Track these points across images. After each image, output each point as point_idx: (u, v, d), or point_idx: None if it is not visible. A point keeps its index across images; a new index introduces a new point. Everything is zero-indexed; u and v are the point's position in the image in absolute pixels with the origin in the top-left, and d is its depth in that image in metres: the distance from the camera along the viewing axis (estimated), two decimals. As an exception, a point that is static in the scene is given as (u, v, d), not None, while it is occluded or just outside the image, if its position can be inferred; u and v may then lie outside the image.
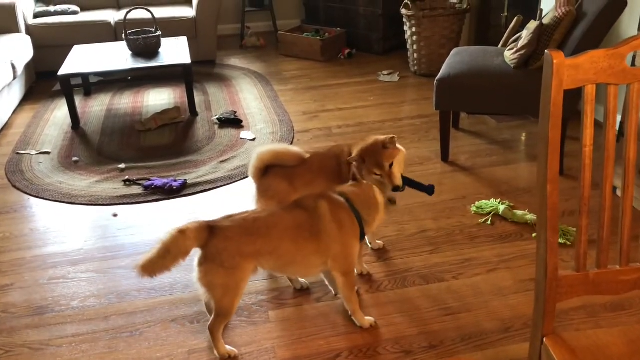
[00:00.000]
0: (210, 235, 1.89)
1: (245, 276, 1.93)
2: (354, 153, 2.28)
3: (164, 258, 1.83)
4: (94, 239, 2.78)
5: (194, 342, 2.09)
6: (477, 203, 2.88)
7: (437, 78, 3.27)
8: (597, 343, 1.34)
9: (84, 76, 4.50)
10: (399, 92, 4.57)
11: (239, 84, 4.86)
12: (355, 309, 2.12)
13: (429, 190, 2.32)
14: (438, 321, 2.15)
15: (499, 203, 2.85)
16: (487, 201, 2.88)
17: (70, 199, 3.13)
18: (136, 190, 3.19)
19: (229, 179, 3.27)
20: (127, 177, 3.29)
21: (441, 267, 2.45)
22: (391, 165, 2.22)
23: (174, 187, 3.13)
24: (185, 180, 3.22)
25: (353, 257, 2.07)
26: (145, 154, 3.64)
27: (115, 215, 2.97)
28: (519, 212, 2.76)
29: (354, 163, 2.25)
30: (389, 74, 4.92)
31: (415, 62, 4.88)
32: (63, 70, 3.94)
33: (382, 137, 2.28)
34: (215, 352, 2.01)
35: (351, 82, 4.79)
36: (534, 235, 2.64)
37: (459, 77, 3.21)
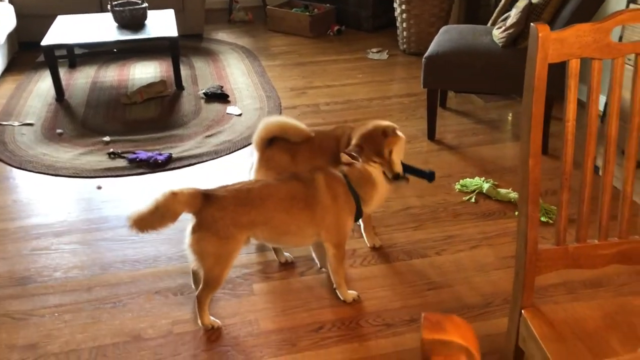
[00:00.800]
0: (205, 203, 1.89)
1: (237, 247, 1.95)
2: (353, 140, 2.21)
3: (152, 215, 1.84)
4: (78, 210, 2.76)
5: (178, 314, 2.10)
6: (461, 181, 2.90)
7: (425, 56, 3.26)
8: (574, 316, 1.36)
9: (69, 47, 4.43)
10: (388, 70, 4.56)
11: (226, 58, 4.81)
12: (340, 283, 2.14)
13: (430, 176, 2.25)
14: (420, 295, 2.18)
15: (483, 181, 2.87)
16: (471, 179, 2.90)
17: (54, 171, 3.10)
18: (121, 163, 3.16)
19: (215, 154, 3.25)
20: (111, 150, 3.26)
21: (425, 243, 2.47)
22: (390, 152, 2.17)
23: (159, 161, 3.11)
24: (170, 154, 3.20)
25: (346, 231, 2.08)
26: (131, 127, 3.61)
27: (99, 188, 2.95)
28: (503, 191, 2.79)
29: (351, 154, 2.14)
30: (377, 52, 4.89)
31: (405, 40, 4.86)
32: (46, 41, 3.86)
33: (383, 123, 2.23)
34: (199, 322, 2.03)
35: (340, 59, 4.76)
36: (516, 213, 2.65)
37: (447, 55, 3.20)
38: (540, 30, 1.18)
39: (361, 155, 2.11)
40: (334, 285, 2.16)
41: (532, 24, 1.20)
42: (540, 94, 1.22)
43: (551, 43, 1.19)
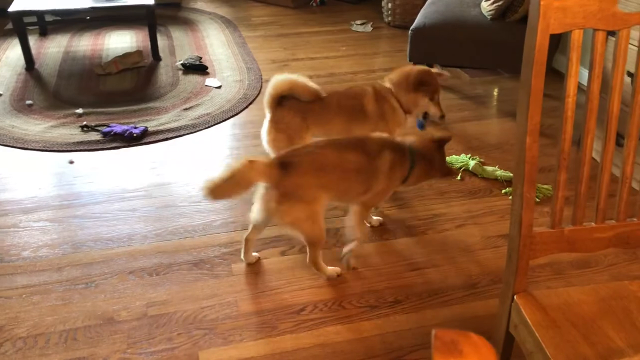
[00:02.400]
0: (283, 172, 1.88)
1: (323, 204, 1.99)
2: (411, 77, 2.37)
3: (226, 182, 1.82)
4: (49, 186, 2.63)
5: (152, 295, 2.01)
6: (447, 158, 2.82)
7: (411, 28, 3.16)
8: (568, 301, 1.30)
9: (39, 14, 4.23)
10: (372, 43, 4.44)
11: (205, 28, 4.64)
12: (360, 238, 2.15)
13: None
14: (405, 276, 2.11)
15: (469, 158, 2.80)
16: (457, 156, 2.83)
17: (23, 144, 2.95)
18: (94, 136, 3.03)
19: (193, 128, 3.13)
20: (84, 123, 3.12)
21: (410, 222, 2.40)
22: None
23: (134, 135, 2.99)
24: (146, 127, 3.07)
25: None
26: (105, 99, 3.46)
27: (71, 162, 2.82)
28: (489, 168, 2.72)
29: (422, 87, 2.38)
30: (362, 24, 4.76)
31: (389, 12, 4.73)
32: (14, 7, 3.67)
33: (415, 67, 2.46)
34: (325, 277, 2.08)
35: (323, 31, 4.63)
36: (503, 191, 2.60)
37: (435, 27, 3.10)
38: (542, -2, 1.09)
39: (418, 94, 2.39)
40: (347, 249, 2.15)
41: (533, -10, 1.10)
42: (541, 67, 1.13)
43: (553, 12, 1.11)
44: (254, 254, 2.19)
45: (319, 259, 2.06)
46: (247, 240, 2.15)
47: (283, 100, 2.31)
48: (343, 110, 2.37)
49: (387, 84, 2.44)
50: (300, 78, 2.31)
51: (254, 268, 2.15)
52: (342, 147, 2.03)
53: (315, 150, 2.00)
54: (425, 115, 2.49)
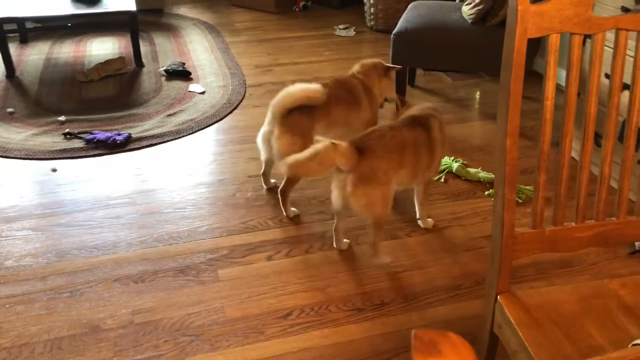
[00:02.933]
0: (360, 156, 1.97)
1: (393, 187, 2.10)
2: (378, 69, 2.64)
3: (310, 160, 1.90)
4: (31, 194, 2.61)
5: (138, 302, 2.00)
6: (431, 160, 2.85)
7: (394, 32, 3.18)
8: (550, 300, 1.32)
9: (19, 21, 4.20)
10: (355, 47, 4.47)
11: (188, 34, 4.63)
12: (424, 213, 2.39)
13: None
14: (391, 278, 2.13)
15: (452, 161, 2.82)
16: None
17: (4, 153, 2.93)
18: (77, 144, 3.01)
19: (177, 134, 3.13)
20: (67, 130, 3.10)
21: (394, 225, 2.42)
22: None
23: (118, 141, 2.97)
24: (129, 134, 3.06)
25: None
26: (88, 106, 3.44)
27: (54, 170, 2.80)
28: (472, 170, 2.75)
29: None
30: (344, 29, 4.79)
31: (372, 16, 4.76)
32: (-5, 14, 3.64)
33: (372, 60, 2.69)
34: (381, 265, 2.17)
35: (306, 36, 4.65)
36: (486, 193, 2.63)
37: (416, 31, 3.13)
38: (519, 3, 1.11)
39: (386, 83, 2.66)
40: (418, 216, 2.40)
41: (511, -5, 1.13)
42: (519, 70, 1.15)
43: (531, 16, 1.13)
44: (345, 240, 2.29)
45: (381, 242, 2.18)
46: (335, 229, 2.26)
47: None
48: (341, 103, 2.49)
49: (360, 75, 2.62)
50: (307, 88, 2.36)
51: (240, 273, 2.15)
52: (403, 127, 2.16)
53: (385, 134, 2.09)
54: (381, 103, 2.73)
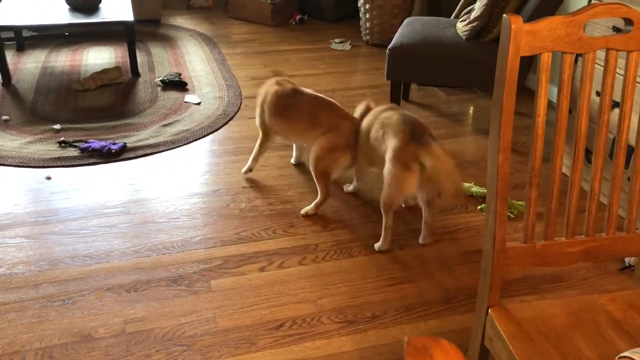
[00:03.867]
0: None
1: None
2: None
3: None
4: (25, 202, 2.61)
5: (131, 312, 2.00)
6: (424, 174, 2.87)
7: (389, 47, 3.22)
8: (541, 314, 1.34)
9: (16, 29, 4.21)
10: (350, 61, 4.51)
11: (184, 45, 4.66)
12: None
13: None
14: (383, 291, 2.14)
15: (446, 175, 2.85)
16: (434, 173, 2.88)
17: (-1, 160, 2.93)
18: (72, 152, 3.01)
19: (172, 144, 3.14)
20: (62, 139, 3.11)
21: (387, 238, 2.43)
22: None
23: (113, 150, 2.98)
24: (124, 143, 3.07)
25: None
26: (83, 115, 3.45)
27: (48, 178, 2.80)
28: (465, 185, 2.77)
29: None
30: (340, 43, 4.83)
31: (368, 31, 4.81)
32: (-8, 22, 3.65)
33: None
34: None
35: (302, 49, 4.68)
36: (479, 207, 2.65)
37: (412, 47, 3.17)
38: (512, 22, 1.14)
39: None
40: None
41: (504, 14, 1.15)
42: (512, 87, 1.18)
43: (523, 35, 1.15)
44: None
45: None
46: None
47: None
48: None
49: None
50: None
51: (233, 284, 2.15)
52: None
53: (406, 120, 2.30)
54: None
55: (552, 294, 2.14)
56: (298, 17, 5.29)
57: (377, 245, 2.36)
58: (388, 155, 2.25)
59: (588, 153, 2.23)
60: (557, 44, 1.18)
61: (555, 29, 1.16)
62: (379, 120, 2.38)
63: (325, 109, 2.57)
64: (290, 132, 2.66)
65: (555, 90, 3.12)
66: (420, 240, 2.41)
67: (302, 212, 2.55)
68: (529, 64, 3.29)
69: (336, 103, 2.63)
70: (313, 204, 2.55)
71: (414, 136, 2.21)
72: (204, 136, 3.24)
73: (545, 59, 1.19)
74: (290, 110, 2.59)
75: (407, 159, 2.18)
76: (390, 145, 2.25)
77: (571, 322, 1.32)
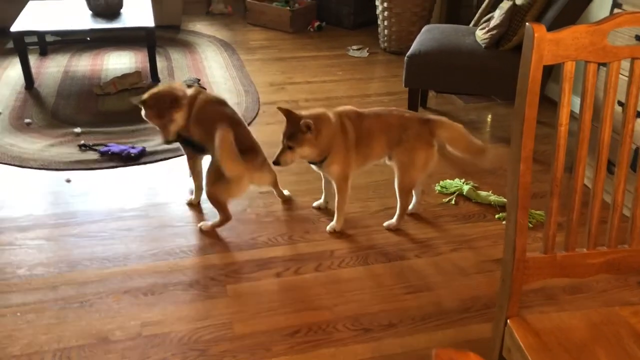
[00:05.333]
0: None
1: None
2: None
3: None
4: (45, 204, 2.64)
5: (147, 315, 2.01)
6: (441, 182, 2.86)
7: (407, 54, 3.21)
8: (561, 326, 1.32)
9: (40, 34, 4.28)
10: (368, 68, 4.51)
11: (203, 51, 4.70)
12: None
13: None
14: (399, 299, 2.13)
15: (463, 183, 2.83)
16: (451, 181, 2.87)
17: (20, 162, 2.97)
18: (92, 155, 3.05)
19: (190, 148, 3.15)
20: (82, 142, 3.15)
21: (404, 245, 2.42)
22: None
23: (132, 154, 3.01)
24: (143, 147, 3.09)
25: None
26: (103, 118, 3.49)
27: (68, 181, 2.83)
28: (483, 193, 2.76)
29: None
30: (358, 49, 4.84)
31: (385, 38, 4.81)
32: (16, 27, 3.72)
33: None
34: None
35: (320, 56, 4.70)
36: (497, 216, 2.63)
37: (430, 54, 3.16)
38: (536, 31, 1.13)
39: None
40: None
41: (527, 23, 1.15)
42: (534, 97, 1.17)
43: (547, 44, 1.15)
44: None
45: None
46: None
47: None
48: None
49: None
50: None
51: (249, 289, 2.15)
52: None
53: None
54: None
55: (571, 305, 2.12)
56: (316, 24, 5.31)
57: (390, 223, 2.50)
58: (408, 140, 2.35)
59: (610, 164, 2.20)
60: (580, 53, 1.17)
61: (579, 37, 1.15)
62: (361, 116, 2.39)
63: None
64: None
65: (575, 100, 3.09)
66: (384, 225, 2.53)
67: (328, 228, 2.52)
68: (548, 72, 3.26)
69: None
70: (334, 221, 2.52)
71: (425, 117, 2.41)
72: (222, 141, 3.25)
73: (569, 68, 1.18)
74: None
75: (427, 138, 2.36)
76: (405, 132, 2.35)
77: (592, 334, 1.30)
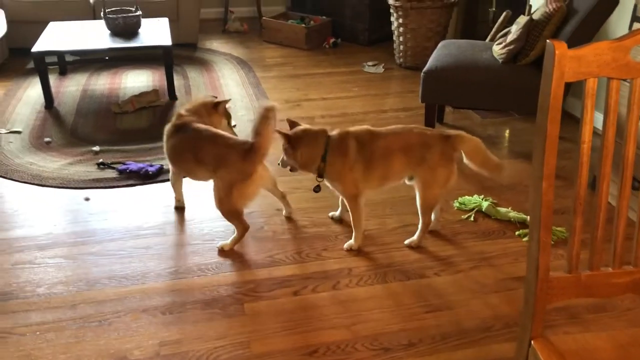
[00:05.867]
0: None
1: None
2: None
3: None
4: (64, 223, 2.66)
5: (165, 334, 2.01)
6: (460, 199, 2.83)
7: (424, 70, 3.21)
8: (586, 347, 1.29)
9: (60, 54, 4.35)
10: (384, 83, 4.51)
11: (220, 69, 4.74)
12: None
13: None
14: (418, 318, 2.10)
15: (482, 199, 2.81)
16: (470, 197, 2.84)
17: (40, 181, 3.00)
18: (110, 174, 3.07)
19: (207, 166, 3.17)
20: (101, 160, 3.18)
21: (423, 263, 2.40)
22: None
23: (150, 173, 3.03)
24: (161, 165, 3.11)
25: None
26: (121, 137, 3.52)
27: (87, 199, 2.85)
28: (502, 209, 2.72)
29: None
30: (373, 65, 4.85)
31: (401, 54, 4.82)
32: (37, 47, 3.78)
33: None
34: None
35: (335, 72, 4.71)
36: (517, 233, 2.60)
37: (447, 70, 3.16)
38: (557, 48, 1.11)
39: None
40: None
41: (548, 40, 1.13)
42: (556, 114, 1.15)
43: (568, 61, 1.13)
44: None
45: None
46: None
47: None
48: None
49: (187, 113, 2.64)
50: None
51: (266, 308, 2.14)
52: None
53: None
54: None
55: (595, 324, 2.07)
56: (332, 40, 5.34)
57: (411, 241, 2.49)
58: (432, 158, 2.33)
59: (634, 180, 2.16)
60: (603, 70, 1.15)
61: (602, 54, 1.14)
62: (376, 136, 2.38)
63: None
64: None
65: (596, 115, 3.06)
66: (405, 242, 2.51)
67: (346, 246, 2.49)
68: (567, 87, 3.23)
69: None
70: (353, 240, 2.51)
71: (445, 133, 2.39)
72: (239, 158, 3.26)
73: (591, 84, 1.16)
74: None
75: (449, 154, 2.35)
76: (429, 151, 2.33)
77: (619, 356, 1.27)
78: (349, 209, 2.45)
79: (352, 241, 2.47)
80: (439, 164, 2.35)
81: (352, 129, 2.41)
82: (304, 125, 2.46)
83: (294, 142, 2.37)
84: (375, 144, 2.36)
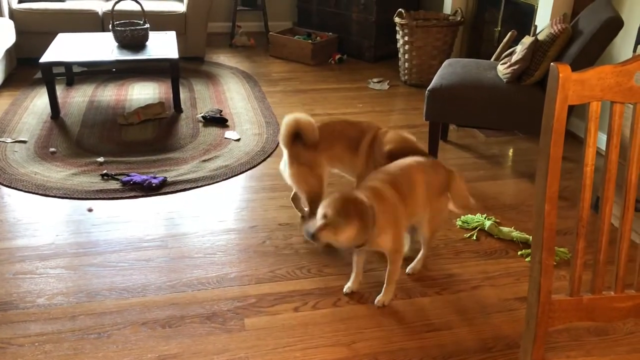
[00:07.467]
0: None
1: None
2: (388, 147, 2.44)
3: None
4: (67, 233, 2.66)
5: (164, 348, 2.00)
6: (462, 217, 2.83)
7: (428, 88, 3.22)
8: (587, 372, 1.28)
9: (67, 65, 4.39)
10: (388, 100, 4.52)
11: (226, 82, 4.77)
12: None
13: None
14: (419, 337, 2.08)
15: (485, 218, 2.80)
16: (473, 216, 2.83)
17: (44, 191, 3.01)
18: (114, 185, 3.08)
19: (211, 179, 3.18)
20: (105, 171, 3.19)
21: (424, 282, 2.38)
22: None
23: (153, 184, 3.03)
24: (165, 177, 3.12)
25: None
26: (126, 148, 3.54)
27: (90, 210, 2.86)
28: (505, 229, 2.72)
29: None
30: (378, 82, 4.87)
31: (406, 71, 4.84)
32: (45, 58, 3.82)
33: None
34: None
35: (340, 88, 4.73)
36: (519, 252, 2.59)
37: (451, 88, 3.17)
38: (561, 71, 1.12)
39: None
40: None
41: (552, 63, 1.14)
42: (559, 136, 1.16)
43: (572, 84, 1.14)
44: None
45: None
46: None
47: (297, 137, 2.49)
48: (345, 137, 2.57)
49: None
50: (304, 118, 2.48)
51: (267, 323, 2.13)
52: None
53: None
54: None
55: (597, 347, 2.05)
56: (337, 56, 5.37)
57: (413, 267, 2.44)
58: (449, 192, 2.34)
59: (637, 202, 2.16)
60: (606, 94, 1.16)
61: (605, 78, 1.14)
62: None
63: None
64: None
65: (600, 136, 3.06)
66: (408, 270, 2.43)
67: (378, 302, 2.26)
68: (570, 108, 3.24)
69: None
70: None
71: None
72: (243, 172, 3.28)
73: (594, 108, 1.17)
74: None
75: (444, 187, 2.34)
76: (445, 182, 2.33)
77: (620, 381, 1.26)
78: (391, 262, 2.21)
79: (383, 296, 2.26)
80: (444, 191, 2.35)
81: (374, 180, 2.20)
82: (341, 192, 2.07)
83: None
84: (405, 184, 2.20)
